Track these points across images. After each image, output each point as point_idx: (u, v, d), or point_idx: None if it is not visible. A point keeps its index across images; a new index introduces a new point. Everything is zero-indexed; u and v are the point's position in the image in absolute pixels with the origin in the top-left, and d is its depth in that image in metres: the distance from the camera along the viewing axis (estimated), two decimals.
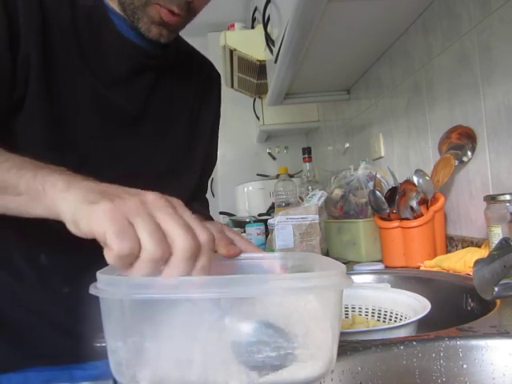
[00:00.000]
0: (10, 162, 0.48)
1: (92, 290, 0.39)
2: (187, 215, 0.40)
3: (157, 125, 0.77)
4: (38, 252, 0.69)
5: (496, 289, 0.56)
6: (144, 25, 0.67)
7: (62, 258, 0.70)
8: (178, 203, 0.41)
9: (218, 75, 0.93)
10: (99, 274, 0.40)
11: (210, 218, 0.87)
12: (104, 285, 0.39)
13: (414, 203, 1.06)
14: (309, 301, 0.40)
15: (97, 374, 0.74)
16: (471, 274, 0.60)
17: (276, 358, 0.38)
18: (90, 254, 0.64)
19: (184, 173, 0.82)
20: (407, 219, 1.07)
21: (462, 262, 0.92)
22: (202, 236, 0.39)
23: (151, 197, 0.39)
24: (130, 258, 0.36)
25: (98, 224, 0.37)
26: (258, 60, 2.02)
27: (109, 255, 0.36)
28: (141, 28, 0.67)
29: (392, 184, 1.19)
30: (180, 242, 0.37)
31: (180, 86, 0.81)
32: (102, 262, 0.44)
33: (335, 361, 0.41)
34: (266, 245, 1.41)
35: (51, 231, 0.68)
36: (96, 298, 0.40)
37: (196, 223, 0.40)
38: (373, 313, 0.79)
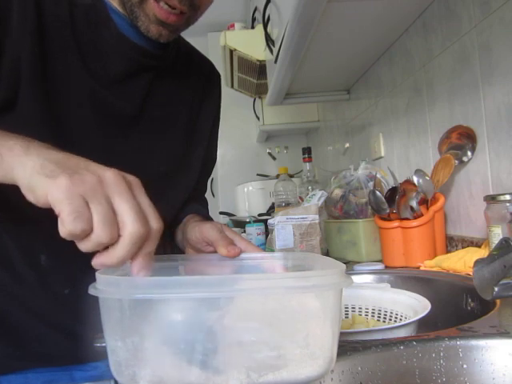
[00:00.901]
0: None
1: (91, 291, 0.39)
2: (143, 200, 0.41)
3: (156, 125, 0.77)
4: (38, 253, 0.69)
5: (496, 289, 0.56)
6: (143, 24, 0.65)
7: (62, 259, 0.70)
8: (136, 184, 0.42)
9: (218, 75, 0.93)
10: (98, 275, 0.40)
11: (210, 218, 0.86)
12: (103, 285, 0.39)
13: (414, 203, 1.06)
14: (309, 300, 0.40)
15: (97, 375, 0.73)
16: (471, 274, 0.60)
17: (276, 358, 0.38)
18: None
19: (183, 173, 0.82)
20: (407, 219, 1.07)
21: (462, 262, 0.92)
22: (152, 223, 0.41)
23: (110, 175, 0.40)
24: (81, 237, 0.38)
25: (54, 199, 0.38)
26: (257, 60, 2.02)
27: (61, 230, 0.38)
28: (140, 27, 0.66)
29: (392, 184, 1.19)
30: (129, 226, 0.39)
31: (180, 85, 0.81)
32: None
33: (335, 360, 0.41)
34: (266, 245, 1.41)
35: (51, 232, 0.68)
36: (96, 299, 0.40)
37: (149, 209, 0.41)
38: (373, 313, 0.79)
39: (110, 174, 0.40)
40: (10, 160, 0.43)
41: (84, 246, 0.39)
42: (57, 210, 0.38)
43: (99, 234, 0.38)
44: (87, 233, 0.38)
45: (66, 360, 0.72)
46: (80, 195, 0.38)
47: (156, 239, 0.41)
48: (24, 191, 0.41)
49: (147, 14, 0.64)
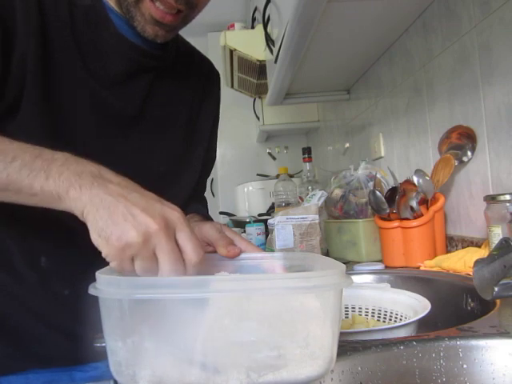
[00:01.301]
0: (19, 161, 0.50)
1: (91, 291, 0.39)
2: (183, 235, 0.46)
3: (156, 125, 0.77)
4: (38, 254, 0.69)
5: (496, 289, 0.56)
6: (139, 24, 0.65)
7: (62, 260, 0.70)
8: (178, 221, 0.46)
9: (218, 75, 0.93)
10: (98, 275, 0.40)
11: (210, 218, 0.86)
12: (103, 285, 0.39)
13: (414, 203, 1.06)
14: (309, 300, 0.40)
15: (97, 375, 0.73)
16: (471, 274, 0.60)
17: (276, 358, 0.38)
18: (89, 255, 0.64)
19: (183, 173, 0.82)
20: (407, 219, 1.07)
21: (462, 262, 0.92)
22: (192, 258, 0.45)
23: (154, 229, 0.44)
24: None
25: (107, 256, 0.44)
26: (258, 60, 2.02)
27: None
28: (136, 27, 0.65)
29: (392, 184, 1.19)
30: (164, 268, 0.44)
31: (179, 85, 0.81)
32: (101, 265, 0.44)
33: (335, 360, 0.41)
34: (266, 245, 1.41)
35: (51, 233, 0.68)
36: (96, 300, 0.40)
37: (189, 244, 0.45)
38: (373, 313, 0.79)
39: (154, 228, 0.44)
40: (67, 202, 0.47)
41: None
42: (108, 260, 0.45)
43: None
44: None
45: (66, 360, 0.72)
46: (128, 257, 0.44)
47: (191, 270, 0.45)
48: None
49: (143, 14, 0.64)
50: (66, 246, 0.70)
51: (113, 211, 0.45)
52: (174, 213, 0.46)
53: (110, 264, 0.44)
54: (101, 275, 0.40)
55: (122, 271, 0.44)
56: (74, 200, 0.47)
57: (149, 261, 0.44)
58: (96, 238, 0.44)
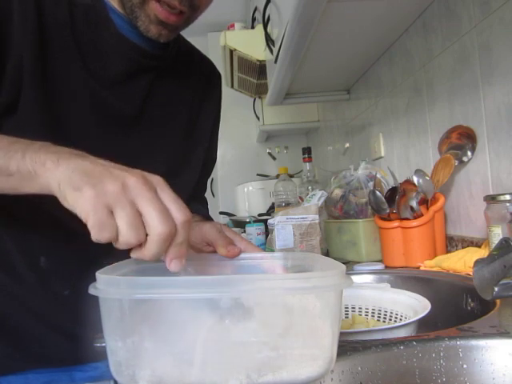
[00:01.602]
0: None
1: (91, 290, 0.39)
2: (165, 195, 0.43)
3: (156, 125, 0.76)
4: (38, 255, 0.69)
5: (496, 289, 0.56)
6: (143, 24, 0.65)
7: (62, 261, 0.70)
8: (158, 182, 0.44)
9: (219, 75, 0.93)
10: (99, 274, 0.40)
11: (210, 218, 0.86)
12: (103, 285, 0.39)
13: (414, 203, 1.06)
14: (309, 300, 0.40)
15: (97, 376, 0.73)
16: (471, 274, 0.60)
17: (276, 358, 0.38)
18: (89, 256, 0.64)
19: (184, 173, 0.81)
20: (407, 219, 1.07)
21: (462, 262, 0.92)
22: (178, 217, 0.42)
23: (132, 180, 0.42)
24: (110, 241, 0.41)
25: (82, 210, 0.41)
26: (257, 60, 2.02)
27: (92, 237, 0.41)
28: (140, 27, 0.66)
29: (392, 184, 1.19)
30: (154, 227, 0.41)
31: (180, 85, 0.81)
32: (101, 264, 0.44)
33: (335, 360, 0.41)
34: (266, 245, 1.41)
35: (50, 234, 0.68)
36: (95, 300, 0.40)
37: (173, 203, 0.43)
38: (373, 313, 0.79)
39: (131, 179, 0.42)
40: (44, 175, 0.45)
41: (117, 246, 0.42)
42: (84, 221, 0.41)
43: (126, 238, 0.41)
44: (115, 238, 0.41)
45: (66, 361, 0.72)
46: (104, 205, 0.40)
47: (183, 230, 0.43)
48: (62, 201, 0.43)
49: (148, 15, 0.64)
50: (65, 246, 0.70)
51: (90, 171, 0.43)
52: (155, 176, 0.45)
53: (88, 223, 0.40)
54: (101, 275, 0.40)
55: (102, 230, 0.40)
56: (50, 171, 0.44)
57: (130, 212, 0.40)
58: (70, 194, 0.42)
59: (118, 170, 0.43)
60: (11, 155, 0.47)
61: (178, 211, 0.43)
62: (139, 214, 0.41)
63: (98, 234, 0.40)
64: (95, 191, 0.41)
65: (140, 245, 0.42)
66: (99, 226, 0.40)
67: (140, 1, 0.64)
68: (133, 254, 0.43)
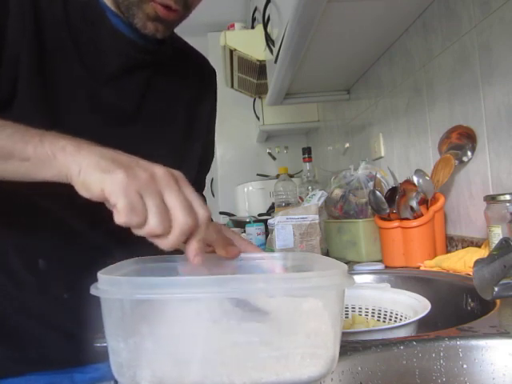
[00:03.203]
0: (11, 128, 0.49)
1: (93, 291, 0.39)
2: (188, 192, 0.45)
3: (153, 122, 0.77)
4: (37, 257, 0.68)
5: (496, 289, 0.56)
6: (139, 21, 0.66)
7: (61, 264, 0.70)
8: (180, 178, 0.46)
9: (214, 71, 0.93)
10: (100, 275, 0.40)
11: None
12: (105, 285, 0.39)
13: (414, 203, 1.06)
14: (311, 300, 0.40)
15: (98, 377, 0.73)
16: (471, 274, 0.60)
17: (278, 358, 0.38)
18: (88, 258, 0.64)
19: (182, 170, 0.81)
20: (407, 219, 1.07)
21: (462, 262, 0.92)
22: (201, 213, 0.44)
23: (160, 172, 0.44)
24: (135, 227, 0.42)
25: (112, 193, 0.41)
26: (257, 60, 2.02)
27: (118, 220, 0.41)
28: (136, 24, 0.66)
29: (392, 184, 1.19)
30: (179, 219, 0.42)
31: (176, 82, 0.81)
32: (100, 266, 0.44)
33: (337, 360, 0.41)
34: (266, 245, 1.41)
35: (49, 235, 0.68)
36: (95, 301, 0.40)
37: (195, 200, 0.45)
38: (373, 313, 0.79)
39: (159, 171, 0.44)
40: (64, 159, 0.45)
41: (137, 233, 0.42)
42: (112, 202, 0.41)
43: (153, 228, 0.42)
44: (142, 224, 0.42)
45: (67, 362, 0.72)
46: (135, 189, 0.41)
47: (204, 226, 0.44)
48: (78, 187, 0.44)
49: (146, 13, 0.65)
50: (64, 248, 0.70)
51: (116, 158, 0.44)
52: (177, 171, 0.46)
53: (117, 204, 0.40)
54: (102, 275, 0.40)
55: (132, 213, 0.40)
56: (71, 155, 0.44)
57: (160, 202, 0.42)
58: (96, 177, 0.42)
59: (143, 161, 0.45)
60: (27, 139, 0.47)
61: (201, 207, 0.44)
62: (166, 205, 0.42)
63: (126, 217, 0.40)
64: (127, 175, 0.41)
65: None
66: (130, 209, 0.40)
67: (138, 0, 0.64)
68: (151, 239, 0.43)
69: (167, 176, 0.44)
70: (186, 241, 0.44)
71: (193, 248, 0.44)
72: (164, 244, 0.43)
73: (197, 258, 0.44)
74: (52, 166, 0.46)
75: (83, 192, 0.43)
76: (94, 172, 0.42)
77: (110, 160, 0.43)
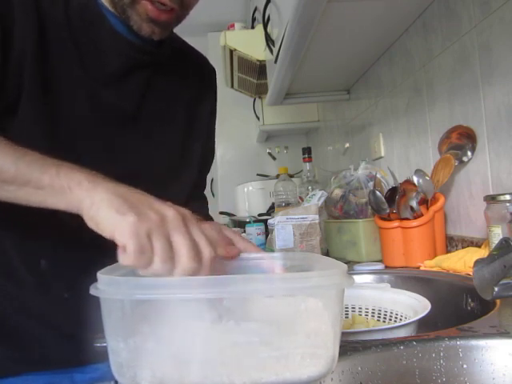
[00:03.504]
0: (30, 156, 0.51)
1: (93, 291, 0.39)
2: (195, 232, 0.46)
3: (154, 122, 0.77)
4: (37, 257, 0.69)
5: (496, 289, 0.56)
6: (135, 23, 0.66)
7: (62, 264, 0.70)
8: (189, 217, 0.47)
9: (214, 70, 0.93)
10: (100, 275, 0.40)
11: (210, 218, 0.86)
12: (105, 285, 0.39)
13: (414, 203, 1.06)
14: (311, 300, 0.40)
15: (97, 377, 0.73)
16: (471, 274, 0.60)
17: (278, 358, 0.38)
18: (88, 258, 0.64)
19: (183, 170, 0.82)
20: (407, 219, 1.07)
21: (462, 262, 0.92)
22: (206, 253, 0.45)
23: (170, 214, 0.45)
24: (140, 268, 0.43)
25: (121, 234, 0.42)
26: (257, 60, 2.02)
27: (124, 260, 0.42)
28: (133, 26, 0.67)
29: (392, 184, 1.19)
30: (183, 262, 0.43)
31: (176, 82, 0.81)
32: (100, 266, 0.44)
33: (337, 360, 0.41)
34: (266, 245, 1.41)
35: (50, 236, 0.68)
36: (96, 302, 0.40)
37: (202, 240, 0.46)
38: (373, 313, 0.79)
39: (170, 213, 0.45)
40: (79, 193, 0.47)
41: (142, 273, 0.44)
42: (121, 244, 0.42)
43: (156, 269, 0.43)
44: (147, 266, 0.43)
45: (66, 362, 0.72)
46: (145, 232, 0.43)
47: (208, 266, 0.45)
48: (88, 222, 0.46)
49: (139, 14, 0.66)
50: (65, 248, 0.70)
51: (129, 197, 0.45)
52: (184, 209, 0.47)
53: (127, 247, 0.42)
54: (102, 275, 0.40)
55: (141, 256, 0.42)
56: (86, 190, 0.46)
57: (166, 245, 0.43)
58: (109, 217, 0.43)
59: (154, 202, 0.46)
60: (45, 169, 0.49)
61: (206, 247, 0.46)
62: (171, 248, 0.43)
63: (135, 259, 0.42)
64: (139, 218, 0.43)
65: None
66: (139, 251, 0.42)
67: (130, 1, 0.65)
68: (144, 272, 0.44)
69: (177, 218, 0.45)
70: None
71: None
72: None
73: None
74: (65, 198, 0.48)
75: (92, 225, 0.45)
76: (107, 210, 0.44)
77: (123, 199, 0.45)
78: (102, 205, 0.44)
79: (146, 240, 0.42)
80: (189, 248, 0.44)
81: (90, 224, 0.45)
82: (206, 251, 0.46)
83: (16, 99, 0.62)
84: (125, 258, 0.42)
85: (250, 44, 2.02)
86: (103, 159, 0.70)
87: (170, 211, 0.45)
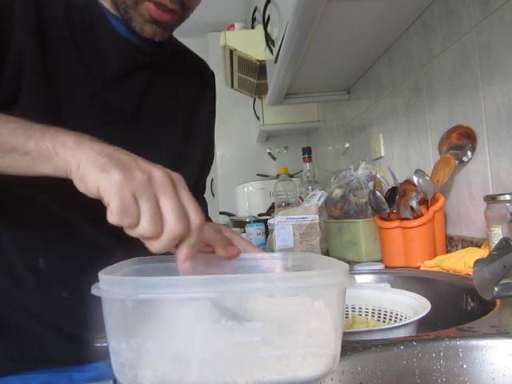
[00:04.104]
0: (15, 123, 0.50)
1: (94, 291, 0.39)
2: (185, 196, 0.45)
3: (153, 123, 0.77)
4: (37, 256, 0.69)
5: (496, 289, 0.56)
6: (137, 24, 0.67)
7: (61, 262, 0.70)
8: (179, 181, 0.46)
9: (212, 74, 0.94)
10: (101, 275, 0.40)
11: (209, 219, 0.86)
12: (106, 285, 0.39)
13: (414, 203, 1.06)
14: (312, 300, 0.40)
15: (96, 376, 0.73)
16: (471, 274, 0.60)
17: (280, 357, 0.38)
18: (88, 257, 0.64)
19: (182, 172, 0.81)
20: (407, 219, 1.07)
21: (462, 262, 0.92)
22: (194, 219, 0.44)
23: (158, 174, 0.44)
24: (127, 228, 0.42)
25: (106, 192, 0.41)
26: (257, 60, 2.02)
27: (110, 219, 0.41)
28: (135, 27, 0.67)
29: (392, 184, 1.19)
30: (170, 224, 0.42)
31: (175, 84, 0.82)
32: (100, 265, 0.44)
33: (339, 359, 0.41)
34: (266, 245, 1.41)
35: (49, 234, 0.68)
36: (95, 300, 0.40)
37: (191, 206, 0.45)
38: (373, 313, 0.79)
39: (157, 173, 0.44)
40: (64, 154, 0.45)
41: (129, 233, 0.43)
42: (106, 201, 0.41)
43: (144, 230, 0.42)
44: (133, 226, 0.42)
45: (66, 361, 0.72)
46: (130, 191, 0.41)
47: (197, 232, 0.44)
48: (76, 183, 0.44)
49: (142, 15, 0.66)
50: (64, 247, 0.70)
51: (116, 156, 0.44)
52: (176, 173, 0.46)
53: (110, 205, 0.41)
54: (103, 275, 0.40)
55: (124, 215, 0.41)
56: (71, 150, 0.45)
57: (153, 205, 0.42)
58: (93, 174, 0.42)
59: (143, 161, 0.45)
60: (29, 134, 0.48)
61: (195, 213, 0.44)
62: (159, 209, 0.42)
63: (118, 218, 0.41)
64: (124, 176, 0.41)
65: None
66: (123, 210, 0.41)
67: (133, 2, 0.65)
68: (142, 240, 0.44)
69: (165, 179, 0.44)
70: (178, 246, 0.44)
71: (182, 253, 0.44)
72: (154, 247, 0.43)
73: (185, 263, 0.44)
74: (52, 161, 0.46)
75: (81, 187, 0.44)
76: (92, 169, 0.42)
77: (108, 158, 0.43)
78: (87, 164, 0.43)
79: (131, 199, 0.41)
80: (177, 212, 0.43)
81: (80, 186, 0.44)
82: (195, 217, 0.44)
83: (15, 99, 0.62)
84: (110, 215, 0.41)
85: (250, 44, 2.02)
86: None
87: (157, 171, 0.44)
